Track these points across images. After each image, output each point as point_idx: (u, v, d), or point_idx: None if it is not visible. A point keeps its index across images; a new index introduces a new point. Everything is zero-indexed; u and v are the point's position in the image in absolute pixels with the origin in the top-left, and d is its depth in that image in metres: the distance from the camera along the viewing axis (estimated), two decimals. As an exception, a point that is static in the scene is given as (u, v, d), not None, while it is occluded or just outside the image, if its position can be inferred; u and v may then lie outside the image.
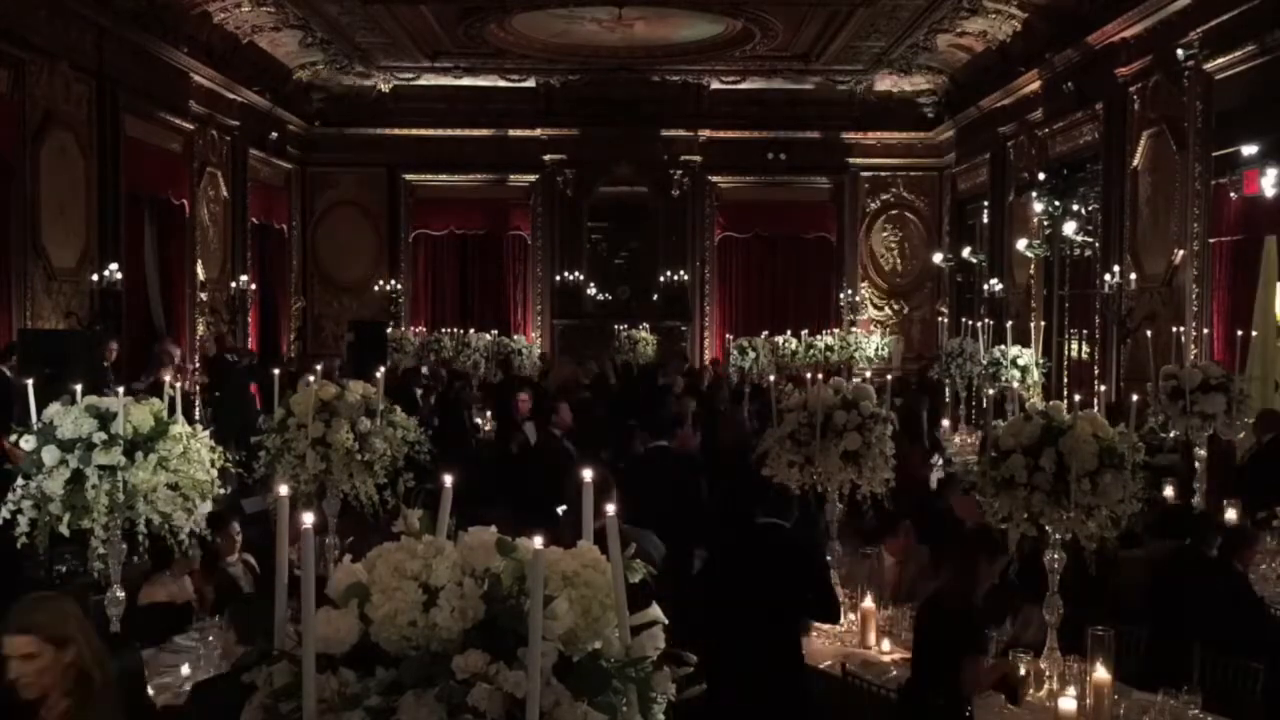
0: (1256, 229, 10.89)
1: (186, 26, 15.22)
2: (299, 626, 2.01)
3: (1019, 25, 15.83)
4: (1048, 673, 5.35)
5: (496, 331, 19.41)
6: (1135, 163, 13.16)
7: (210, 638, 5.61)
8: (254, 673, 2.09)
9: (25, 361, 9.90)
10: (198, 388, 13.19)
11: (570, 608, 2.05)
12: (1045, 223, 15.14)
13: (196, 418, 7.79)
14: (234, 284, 17.32)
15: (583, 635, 2.07)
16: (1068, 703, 4.91)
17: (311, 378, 6.54)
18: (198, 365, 14.64)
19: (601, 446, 10.37)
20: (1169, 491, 8.71)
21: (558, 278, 21.25)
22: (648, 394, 13.53)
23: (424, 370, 15.96)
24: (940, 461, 10.87)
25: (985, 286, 17.71)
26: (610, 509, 2.14)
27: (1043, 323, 15.65)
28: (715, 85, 20.31)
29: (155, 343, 13.94)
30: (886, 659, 5.96)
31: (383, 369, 6.91)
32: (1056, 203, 14.46)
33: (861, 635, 6.19)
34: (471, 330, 18.94)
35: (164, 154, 15.34)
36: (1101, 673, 5.01)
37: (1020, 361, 13.83)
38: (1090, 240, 14.58)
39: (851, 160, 21.18)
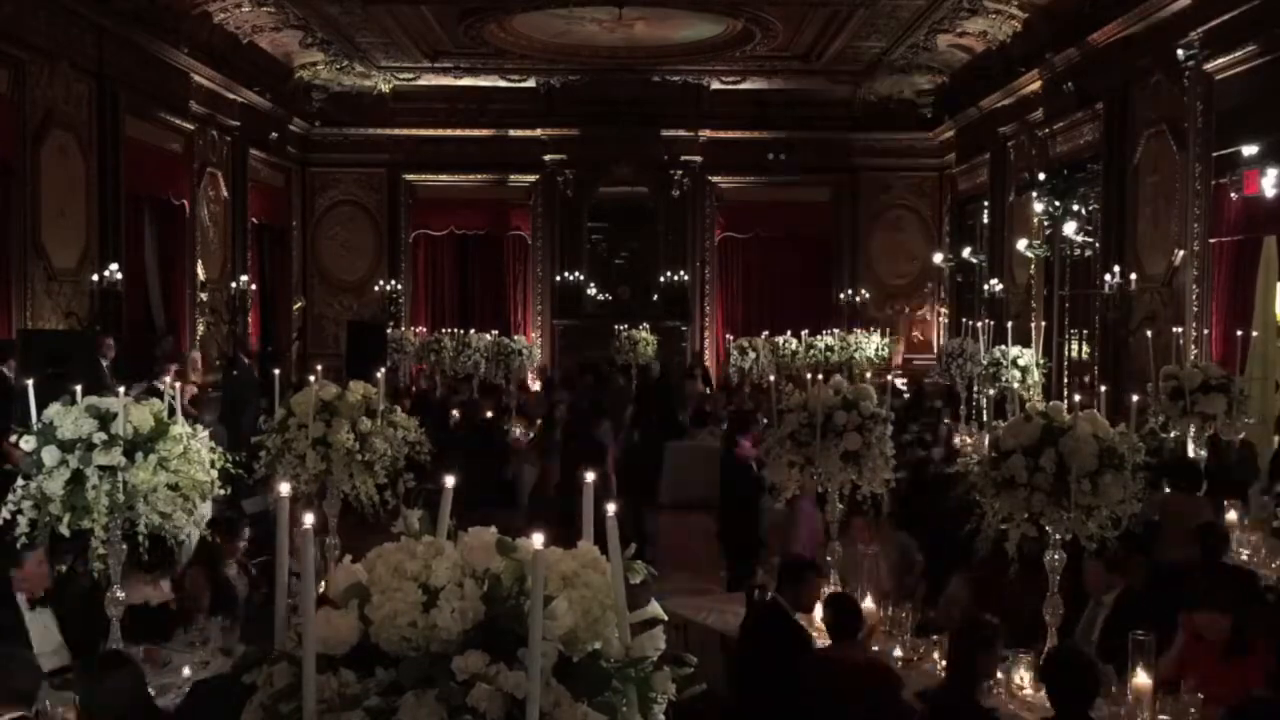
0: (1256, 229, 10.89)
1: (186, 26, 15.21)
2: (299, 626, 2.01)
3: (1019, 25, 15.82)
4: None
5: (496, 332, 19.39)
6: (1135, 163, 13.16)
7: (209, 638, 5.61)
8: (254, 673, 2.09)
9: (26, 362, 9.89)
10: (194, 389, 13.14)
11: (570, 608, 2.05)
12: (1045, 223, 15.14)
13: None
14: (234, 284, 17.30)
15: (583, 636, 2.07)
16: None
17: (311, 378, 6.54)
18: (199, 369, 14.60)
19: None
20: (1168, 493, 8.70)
21: (558, 278, 21.23)
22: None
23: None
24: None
25: (985, 286, 17.70)
26: (611, 509, 2.15)
27: (1043, 323, 15.65)
28: (715, 85, 20.30)
29: (162, 343, 13.99)
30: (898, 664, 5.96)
31: (383, 369, 6.92)
32: (1056, 203, 14.45)
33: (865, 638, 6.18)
34: (472, 331, 18.92)
35: (164, 154, 15.33)
36: (1142, 678, 4.98)
37: (1020, 362, 13.83)
38: (1090, 240, 14.58)
39: (851, 160, 21.17)
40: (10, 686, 4.30)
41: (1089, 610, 6.09)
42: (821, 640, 6.21)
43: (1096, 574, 5.95)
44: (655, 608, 2.22)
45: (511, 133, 20.78)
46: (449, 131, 20.78)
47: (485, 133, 20.81)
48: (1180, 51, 11.74)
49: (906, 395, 15.38)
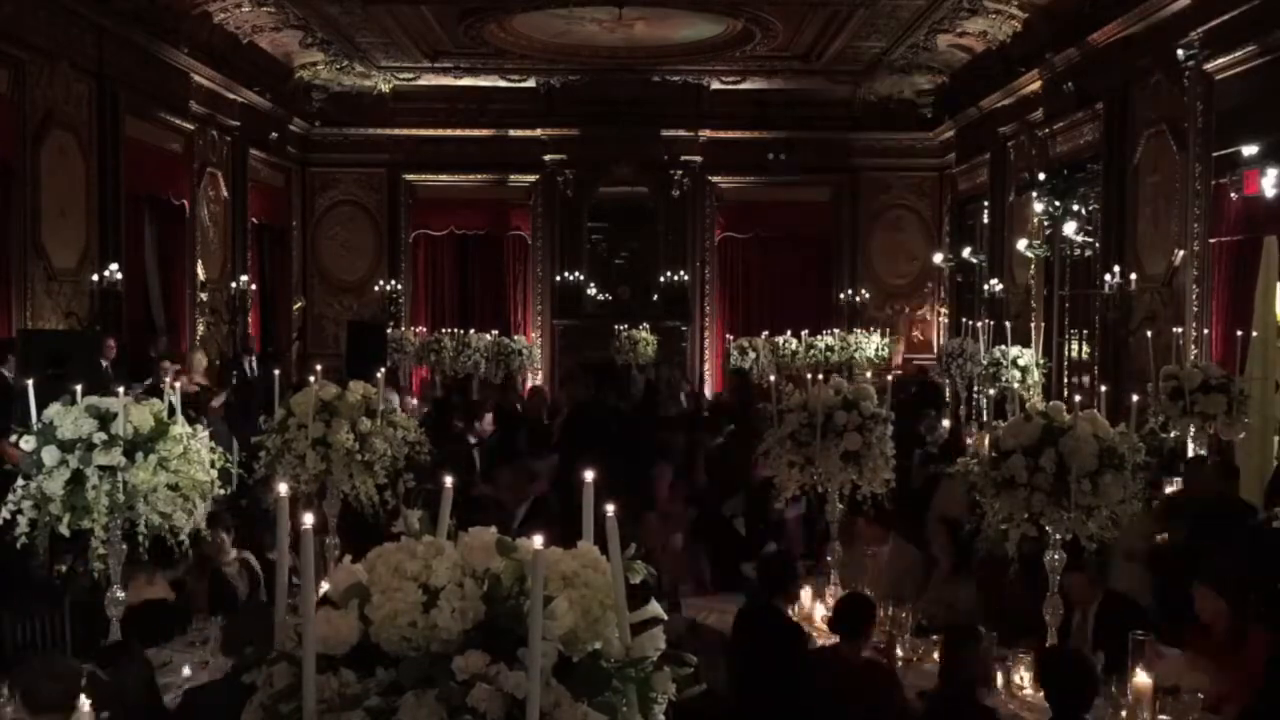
0: (1256, 229, 10.88)
1: (186, 26, 15.21)
2: (299, 625, 2.01)
3: (1019, 25, 15.82)
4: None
5: (496, 332, 19.40)
6: (1135, 163, 13.16)
7: (210, 639, 5.61)
8: (254, 673, 2.09)
9: (26, 362, 9.90)
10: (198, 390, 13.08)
11: (570, 608, 2.05)
12: (1045, 223, 15.14)
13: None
14: (234, 284, 17.31)
15: (583, 636, 2.07)
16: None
17: (312, 378, 6.54)
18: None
19: None
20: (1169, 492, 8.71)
21: (558, 278, 21.22)
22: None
23: None
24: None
25: (985, 286, 17.70)
26: (610, 509, 2.15)
27: (1043, 323, 15.66)
28: (715, 85, 20.30)
29: (156, 343, 13.98)
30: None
31: (383, 369, 6.93)
32: (1056, 203, 14.45)
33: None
34: (472, 331, 18.92)
35: (164, 154, 15.33)
36: (1142, 678, 4.98)
37: (1020, 362, 13.84)
38: (1090, 240, 14.58)
39: (851, 160, 21.16)
40: (49, 692, 4.31)
41: (1076, 622, 6.07)
42: (821, 639, 6.22)
43: (1081, 586, 5.92)
44: (655, 608, 2.22)
45: (511, 133, 20.77)
46: (449, 131, 20.77)
47: (485, 133, 20.80)
48: (1180, 51, 11.74)
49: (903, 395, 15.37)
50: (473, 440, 10.93)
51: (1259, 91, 10.82)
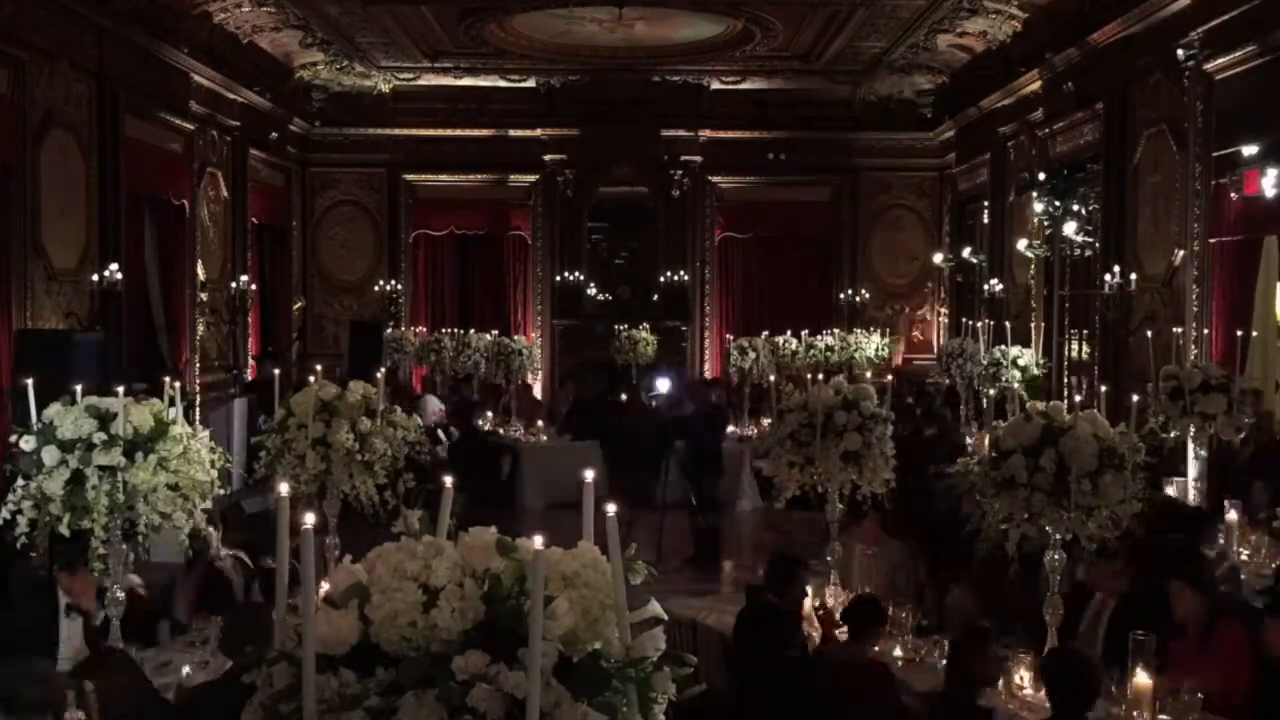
0: (1256, 229, 10.88)
1: (186, 26, 15.20)
2: (299, 625, 2.01)
3: (1019, 25, 15.82)
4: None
5: (496, 332, 19.38)
6: (1135, 163, 13.16)
7: (209, 637, 5.61)
8: (254, 673, 2.09)
9: (25, 362, 9.90)
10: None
11: (570, 608, 2.05)
12: (1045, 223, 15.13)
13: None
14: (234, 284, 17.30)
15: (583, 636, 2.07)
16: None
17: (311, 378, 6.54)
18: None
19: None
20: (1170, 492, 8.71)
21: (558, 278, 21.23)
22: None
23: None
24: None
25: (985, 287, 17.70)
26: (610, 509, 2.15)
27: (1043, 323, 15.65)
28: (715, 85, 20.30)
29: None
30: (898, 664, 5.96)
31: (382, 370, 6.93)
32: (1056, 203, 14.44)
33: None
34: (472, 331, 18.91)
35: (164, 154, 15.31)
36: (1142, 678, 4.98)
37: (1020, 362, 13.83)
38: (1090, 240, 14.58)
39: (851, 160, 21.16)
40: (30, 699, 4.26)
41: (1089, 616, 6.07)
42: (817, 638, 6.23)
43: (1108, 575, 5.91)
44: (655, 607, 2.22)
45: (511, 133, 20.77)
46: (449, 131, 20.77)
47: (485, 133, 20.80)
48: (1180, 51, 11.73)
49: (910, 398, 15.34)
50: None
51: (1259, 91, 10.81)
